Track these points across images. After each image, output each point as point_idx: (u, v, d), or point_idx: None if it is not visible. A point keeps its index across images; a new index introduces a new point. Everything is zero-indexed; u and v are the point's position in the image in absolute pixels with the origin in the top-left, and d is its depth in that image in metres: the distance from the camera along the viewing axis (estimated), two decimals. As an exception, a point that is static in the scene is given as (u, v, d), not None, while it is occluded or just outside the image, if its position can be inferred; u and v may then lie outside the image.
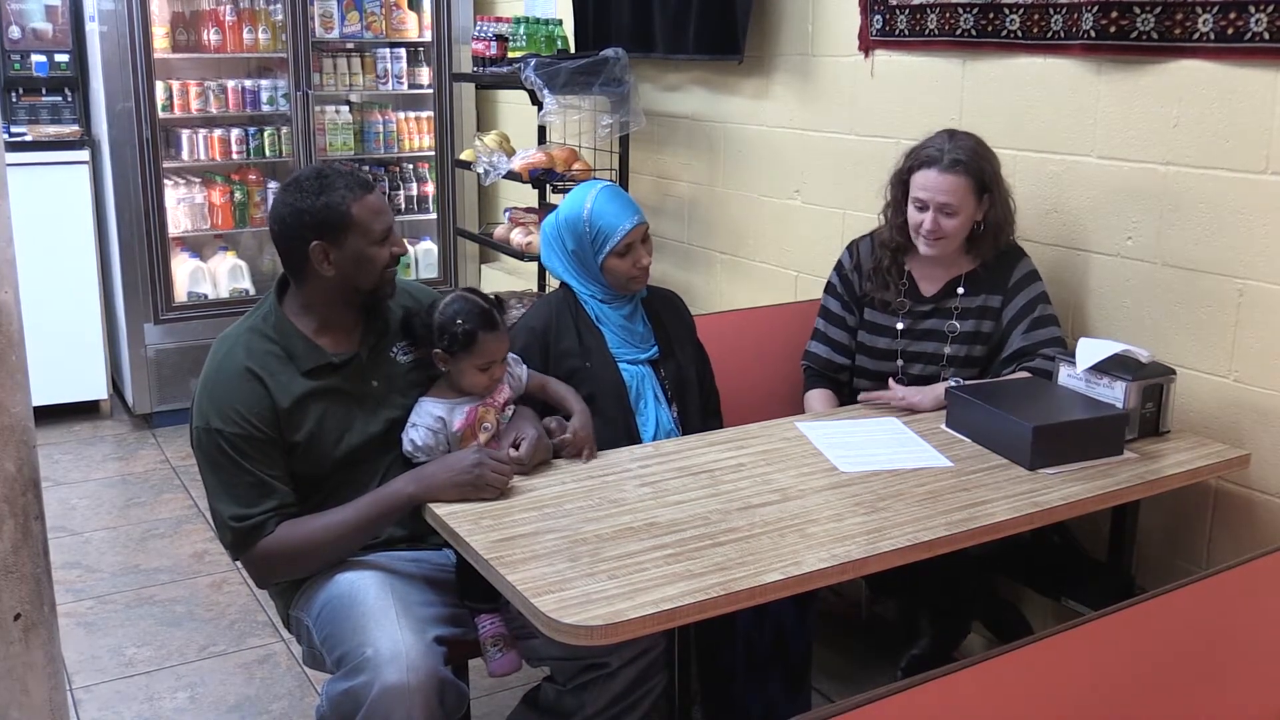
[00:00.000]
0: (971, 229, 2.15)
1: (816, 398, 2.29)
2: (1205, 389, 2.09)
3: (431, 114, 4.29)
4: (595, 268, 2.04)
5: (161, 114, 3.82)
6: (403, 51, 4.22)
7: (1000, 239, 2.17)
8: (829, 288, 2.35)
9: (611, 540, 1.57)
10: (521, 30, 3.44)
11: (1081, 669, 1.34)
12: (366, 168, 4.27)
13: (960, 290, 2.20)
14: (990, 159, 2.13)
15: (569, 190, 3.36)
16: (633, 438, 2.02)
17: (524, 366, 1.94)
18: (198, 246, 4.11)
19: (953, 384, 2.08)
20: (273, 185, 4.13)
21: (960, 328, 2.19)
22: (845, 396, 2.30)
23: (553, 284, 3.74)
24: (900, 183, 2.18)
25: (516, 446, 1.79)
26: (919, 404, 2.09)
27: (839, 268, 2.34)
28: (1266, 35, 1.90)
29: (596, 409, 1.99)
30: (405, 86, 4.26)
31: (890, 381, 2.18)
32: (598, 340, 2.07)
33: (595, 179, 2.12)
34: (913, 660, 2.20)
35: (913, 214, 2.14)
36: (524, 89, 3.22)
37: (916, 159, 2.14)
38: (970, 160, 2.09)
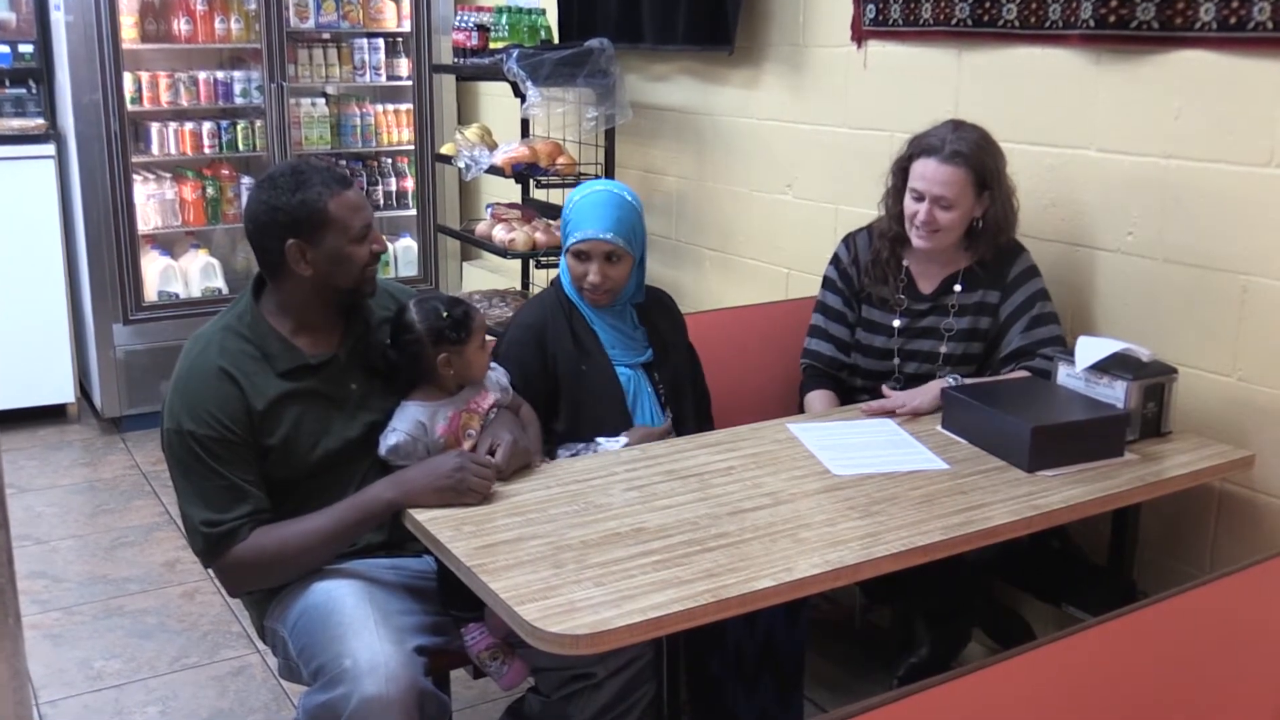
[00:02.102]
0: (970, 225, 2.11)
1: (818, 399, 2.24)
2: (1208, 388, 2.06)
3: (411, 107, 4.23)
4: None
5: (130, 107, 3.74)
6: (380, 42, 4.16)
7: (1000, 238, 2.14)
8: (827, 283, 2.31)
9: (597, 546, 1.54)
10: (504, 20, 3.41)
11: (1082, 677, 1.31)
12: (343, 162, 4.22)
13: (958, 287, 2.17)
14: (994, 154, 2.10)
15: (552, 185, 3.36)
16: None
17: (506, 375, 1.90)
18: (168, 244, 4.04)
19: (950, 381, 2.04)
20: (246, 181, 4.06)
21: (957, 325, 2.16)
22: (846, 396, 2.26)
23: (537, 283, 3.71)
24: (900, 170, 2.15)
25: (493, 452, 1.75)
26: (920, 408, 2.05)
27: (836, 262, 2.30)
28: (1270, 24, 1.88)
29: (595, 415, 1.96)
30: (383, 78, 4.20)
31: (884, 388, 2.13)
32: (594, 341, 2.03)
33: (613, 180, 2.11)
34: (911, 669, 2.16)
35: (908, 203, 2.11)
36: (506, 81, 3.19)
37: (918, 147, 2.11)
38: (971, 153, 2.05)
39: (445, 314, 1.76)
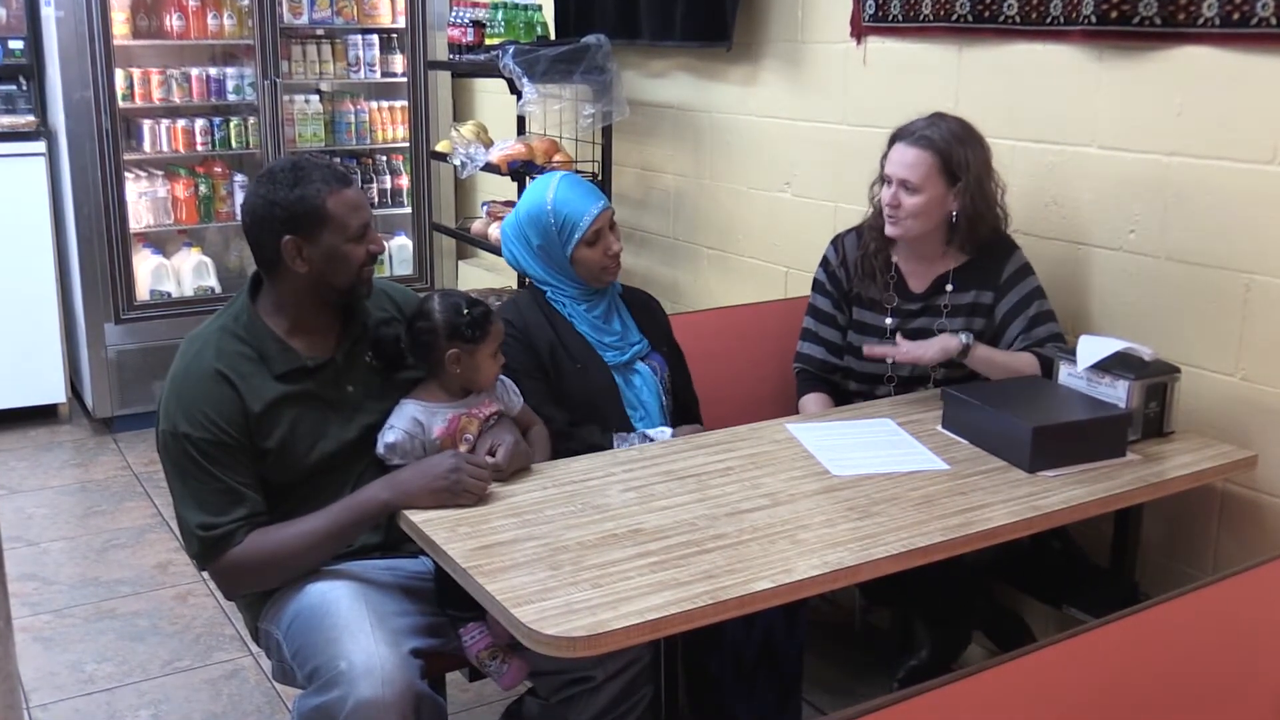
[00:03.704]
0: (950, 218, 2.09)
1: (812, 402, 2.23)
2: (1211, 388, 2.05)
3: (406, 104, 4.21)
4: (565, 261, 1.99)
5: (122, 104, 3.72)
6: (375, 38, 4.14)
7: (977, 231, 2.11)
8: (817, 285, 2.30)
9: (594, 548, 1.53)
10: (499, 16, 3.39)
11: (1083, 679, 1.30)
12: (338, 160, 4.17)
13: (949, 287, 2.15)
14: (971, 145, 2.07)
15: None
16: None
17: (518, 395, 1.88)
18: (160, 242, 4.01)
19: (961, 339, 2.02)
20: (239, 178, 4.04)
21: (951, 327, 2.15)
22: (840, 398, 2.24)
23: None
24: (883, 161, 2.15)
25: (493, 453, 1.73)
26: (921, 358, 2.04)
27: (825, 264, 2.29)
28: (1274, 20, 1.87)
29: (590, 416, 1.95)
30: (378, 75, 4.18)
31: (898, 337, 2.11)
32: (580, 341, 2.01)
33: (551, 172, 2.11)
34: (911, 671, 2.15)
35: (882, 190, 2.12)
36: (502, 77, 3.17)
37: (894, 135, 2.12)
38: (941, 140, 2.04)
39: (466, 311, 1.75)
